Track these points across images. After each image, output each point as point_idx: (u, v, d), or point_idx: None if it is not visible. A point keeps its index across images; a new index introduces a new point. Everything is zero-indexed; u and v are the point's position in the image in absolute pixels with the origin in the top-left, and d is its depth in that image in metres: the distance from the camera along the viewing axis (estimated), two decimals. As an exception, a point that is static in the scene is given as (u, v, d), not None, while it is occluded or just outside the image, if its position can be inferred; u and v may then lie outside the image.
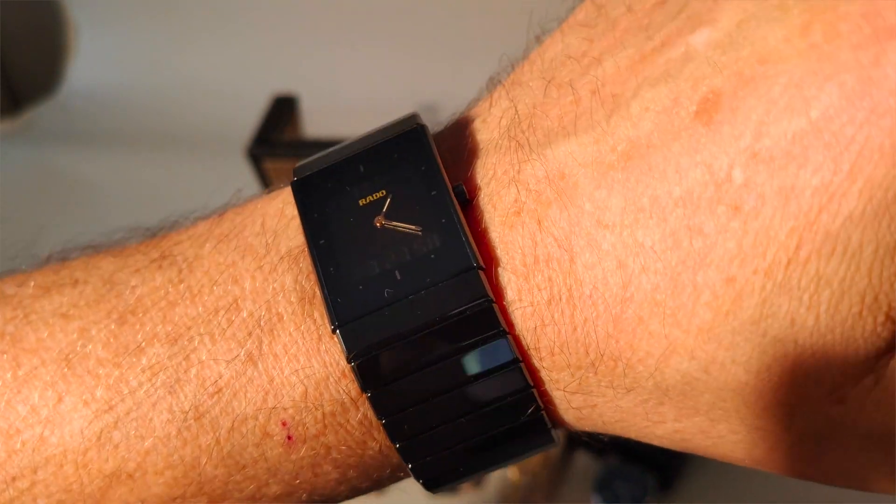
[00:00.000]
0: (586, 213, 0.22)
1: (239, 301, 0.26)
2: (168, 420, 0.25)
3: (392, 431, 0.24)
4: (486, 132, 0.26)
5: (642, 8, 0.25)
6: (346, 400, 0.25)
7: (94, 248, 0.29)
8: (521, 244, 0.23)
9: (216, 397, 0.25)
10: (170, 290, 0.26)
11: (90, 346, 0.25)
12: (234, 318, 0.25)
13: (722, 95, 0.21)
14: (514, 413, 0.24)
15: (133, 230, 0.30)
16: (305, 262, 0.26)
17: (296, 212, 0.26)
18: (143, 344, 0.25)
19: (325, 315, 0.25)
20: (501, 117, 0.26)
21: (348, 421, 0.25)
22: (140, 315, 0.25)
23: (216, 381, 0.25)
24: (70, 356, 0.25)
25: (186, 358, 0.25)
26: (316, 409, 0.25)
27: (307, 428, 0.25)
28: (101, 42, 0.81)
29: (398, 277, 0.24)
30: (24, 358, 0.25)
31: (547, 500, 0.67)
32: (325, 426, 0.25)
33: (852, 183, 0.19)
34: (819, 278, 0.20)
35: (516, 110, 0.26)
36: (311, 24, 0.85)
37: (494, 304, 0.23)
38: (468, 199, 0.25)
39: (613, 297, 0.22)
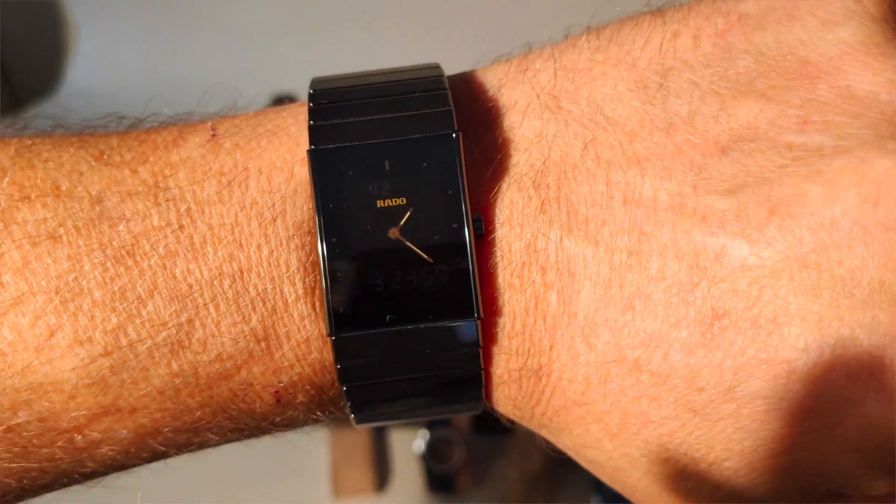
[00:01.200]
0: (578, 324, 0.25)
1: (244, 272, 0.25)
2: (166, 376, 0.25)
3: (348, 395, 0.26)
4: (514, 152, 0.26)
5: (702, 130, 0.24)
6: (334, 378, 0.26)
7: (65, 130, 0.28)
8: (516, 310, 0.25)
9: (217, 365, 0.25)
10: (169, 235, 0.25)
11: (84, 283, 0.24)
12: (239, 289, 0.25)
13: (729, 314, 0.23)
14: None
15: (107, 118, 0.28)
16: (313, 244, 0.25)
17: (306, 174, 0.25)
18: (143, 295, 0.25)
19: (325, 319, 0.25)
20: (532, 144, 0.26)
21: (327, 388, 0.27)
22: (138, 259, 0.25)
23: (219, 351, 0.25)
24: (62, 289, 0.24)
25: (190, 321, 0.25)
26: (310, 387, 0.26)
27: (296, 398, 0.26)
28: (101, 42, 0.81)
29: (402, 304, 0.24)
30: (9, 278, 0.24)
31: (547, 500, 0.67)
32: (314, 398, 0.27)
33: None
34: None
35: (549, 152, 0.25)
36: (310, 24, 0.85)
37: (481, 349, 0.25)
38: (481, 234, 0.25)
39: (573, 394, 0.25)
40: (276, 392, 0.26)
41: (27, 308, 0.24)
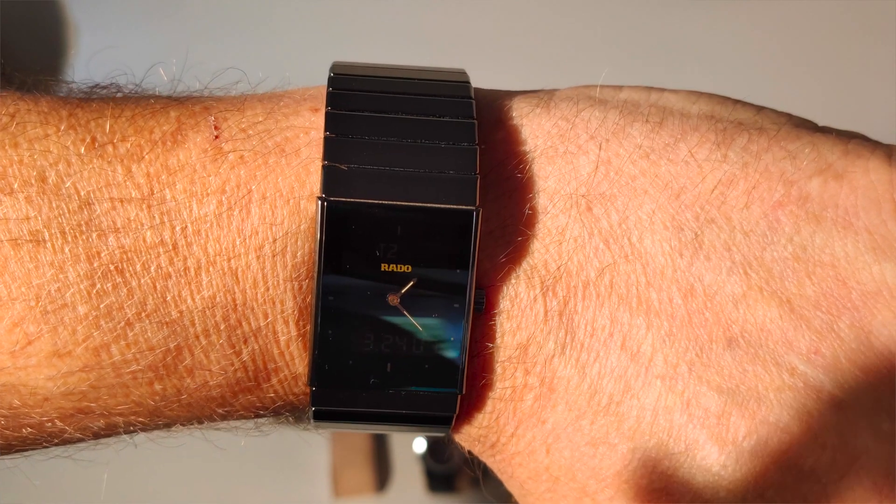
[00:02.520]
0: (545, 430, 0.25)
1: (239, 306, 0.23)
2: (147, 395, 0.24)
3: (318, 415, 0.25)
4: (533, 241, 0.25)
5: (717, 309, 0.23)
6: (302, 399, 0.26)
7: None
8: (493, 393, 0.25)
9: (203, 392, 0.24)
10: (162, 255, 0.23)
11: (68, 295, 0.23)
12: (232, 322, 0.24)
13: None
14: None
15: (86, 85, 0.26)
16: (307, 289, 0.24)
17: (313, 211, 0.23)
18: (131, 316, 0.23)
19: (309, 373, 0.24)
20: (553, 242, 0.24)
21: (302, 410, 0.27)
22: (127, 276, 0.23)
23: (206, 380, 0.24)
24: (43, 298, 0.22)
25: (178, 349, 0.23)
26: (289, 408, 0.26)
27: (274, 413, 0.26)
28: (101, 42, 0.81)
29: (388, 370, 0.24)
30: None
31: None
32: (285, 412, 0.27)
33: None
34: None
35: (566, 260, 0.24)
36: (311, 24, 0.85)
37: (455, 416, 0.25)
38: (481, 311, 0.24)
39: (520, 473, 0.26)
40: (257, 414, 0.26)
41: (4, 313, 0.22)
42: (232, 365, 0.24)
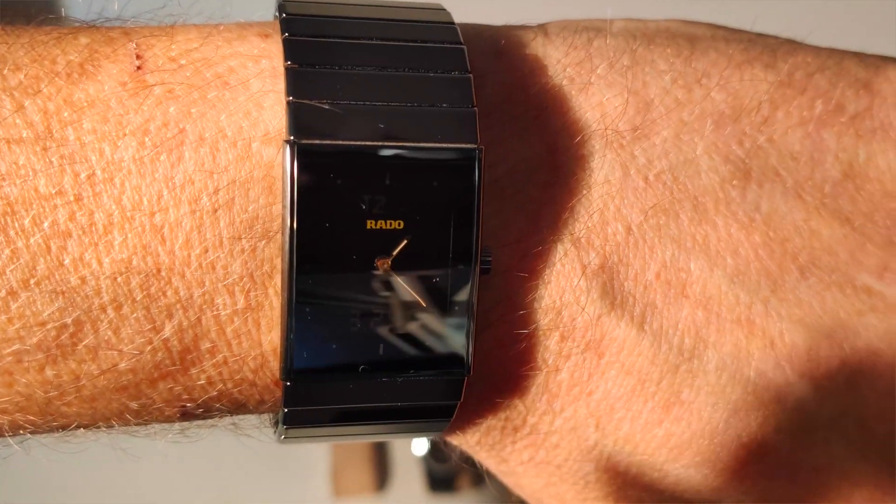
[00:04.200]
0: (593, 401, 0.22)
1: (163, 270, 0.19)
2: (36, 384, 0.19)
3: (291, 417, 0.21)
4: (559, 190, 0.21)
5: (782, 238, 0.21)
6: (265, 398, 0.21)
7: None
8: (513, 370, 0.22)
9: (109, 378, 0.19)
10: (60, 208, 0.18)
11: None
12: (153, 291, 0.19)
13: (774, 453, 0.22)
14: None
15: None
16: (266, 252, 0.19)
17: (269, 157, 0.19)
18: (15, 283, 0.18)
19: (282, 361, 0.19)
20: (583, 188, 0.21)
21: (258, 409, 0.22)
22: (11, 234, 0.18)
23: (114, 363, 0.19)
24: None
25: (78, 323, 0.19)
26: (230, 404, 0.21)
27: (207, 413, 0.21)
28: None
29: (380, 353, 0.19)
30: None
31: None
32: (225, 412, 0.22)
33: None
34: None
35: (603, 206, 0.21)
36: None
37: (460, 403, 0.21)
38: (488, 270, 0.20)
39: (551, 457, 0.23)
40: (183, 409, 0.21)
41: None
42: (150, 343, 0.19)
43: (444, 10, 0.21)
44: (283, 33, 0.19)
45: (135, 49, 0.19)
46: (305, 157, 0.18)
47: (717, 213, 0.21)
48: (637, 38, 0.22)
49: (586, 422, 0.22)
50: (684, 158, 0.21)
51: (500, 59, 0.21)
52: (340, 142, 0.19)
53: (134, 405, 0.20)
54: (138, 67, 0.19)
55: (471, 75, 0.20)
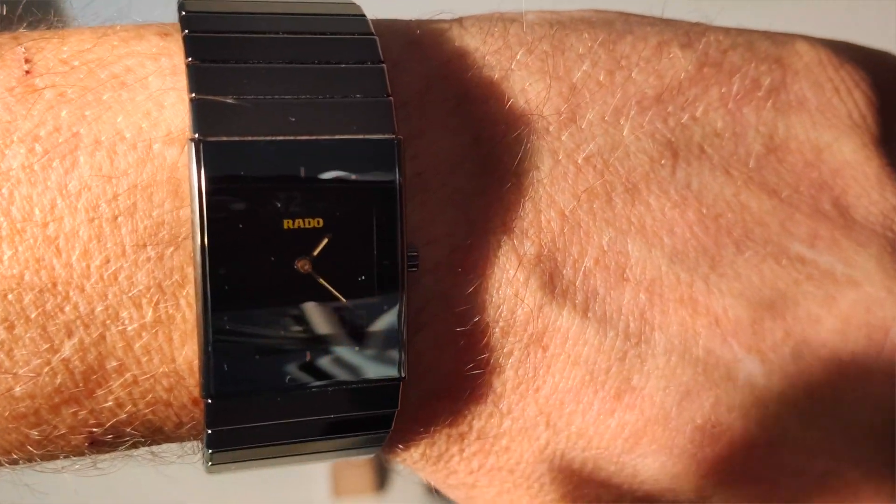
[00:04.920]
0: (540, 398, 0.21)
1: (59, 285, 0.17)
2: None
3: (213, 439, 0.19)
4: (485, 179, 0.20)
5: (714, 214, 0.21)
6: (183, 420, 0.20)
7: None
8: (451, 370, 0.20)
9: (4, 404, 0.18)
10: None
11: None
12: (49, 308, 0.18)
13: (727, 430, 0.22)
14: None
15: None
16: (175, 260, 0.18)
17: (172, 157, 0.18)
18: None
19: (201, 376, 0.18)
20: (510, 174, 0.20)
21: (176, 434, 0.20)
22: None
23: (9, 387, 0.18)
24: None
25: None
26: (143, 428, 0.19)
27: (118, 439, 0.20)
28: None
29: (306, 360, 0.18)
30: None
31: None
32: (144, 440, 0.20)
33: None
34: None
35: (533, 193, 0.20)
36: None
37: (396, 412, 0.20)
38: (415, 266, 0.19)
39: (503, 462, 0.22)
40: (91, 436, 0.19)
41: None
42: (48, 364, 0.18)
43: (354, 3, 0.20)
44: (183, 30, 0.18)
45: (23, 53, 0.18)
46: (212, 154, 0.17)
47: (650, 193, 0.21)
48: (553, 25, 0.22)
49: (536, 420, 0.21)
50: (612, 141, 0.21)
51: (415, 48, 0.21)
52: (249, 137, 0.18)
53: (35, 434, 0.19)
54: (27, 72, 0.18)
55: (384, 65, 0.19)
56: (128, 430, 0.19)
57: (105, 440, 0.19)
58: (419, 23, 0.22)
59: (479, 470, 0.22)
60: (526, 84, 0.20)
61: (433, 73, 0.20)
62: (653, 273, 0.20)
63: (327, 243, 0.18)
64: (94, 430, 0.19)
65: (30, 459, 0.19)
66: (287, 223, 0.18)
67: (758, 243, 0.21)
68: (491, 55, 0.21)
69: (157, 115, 0.18)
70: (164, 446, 0.21)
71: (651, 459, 0.21)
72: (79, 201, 0.17)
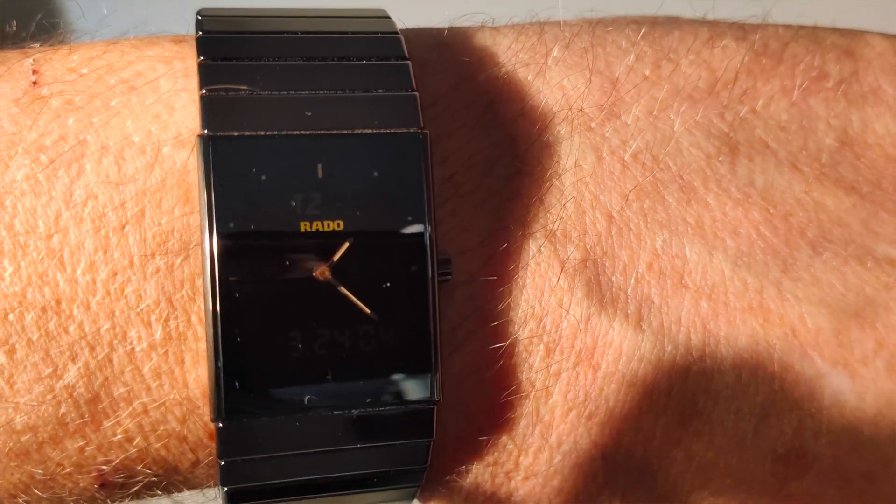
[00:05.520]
0: (593, 464, 0.19)
1: (64, 302, 0.16)
2: None
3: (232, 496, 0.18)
4: (526, 182, 0.18)
5: (783, 213, 0.19)
6: (200, 463, 0.18)
7: None
8: (494, 400, 0.18)
9: (5, 439, 0.16)
10: None
11: None
12: (52, 328, 0.16)
13: (813, 459, 0.19)
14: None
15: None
16: (185, 270, 0.16)
17: (182, 160, 0.17)
18: None
19: (211, 397, 0.16)
20: (552, 176, 0.18)
21: (192, 473, 0.18)
22: None
23: (9, 419, 0.16)
24: None
25: None
26: (155, 466, 0.17)
27: (130, 480, 0.18)
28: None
29: (328, 376, 0.16)
30: None
31: None
32: (158, 481, 0.18)
33: None
34: None
35: (577, 193, 0.18)
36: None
37: (432, 442, 0.17)
38: (447, 275, 0.17)
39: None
40: (100, 475, 0.17)
41: None
42: (51, 391, 0.16)
43: (380, 9, 0.19)
44: (197, 33, 0.17)
45: (31, 65, 0.17)
46: (222, 150, 0.16)
47: (708, 191, 0.19)
48: (592, 23, 0.20)
49: (591, 454, 0.18)
50: (662, 136, 0.19)
51: (443, 49, 0.19)
52: (262, 132, 0.16)
53: (39, 473, 0.17)
54: (34, 83, 0.17)
55: (409, 62, 0.17)
56: (139, 467, 0.17)
57: (116, 481, 0.17)
58: (448, 27, 0.20)
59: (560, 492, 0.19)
60: (563, 79, 0.19)
61: (463, 71, 0.19)
62: (715, 278, 0.18)
63: (348, 248, 0.16)
64: (104, 468, 0.17)
65: None
66: (304, 226, 0.16)
67: (837, 244, 0.19)
68: (524, 52, 0.19)
69: (167, 118, 0.17)
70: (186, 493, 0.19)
71: (726, 498, 0.18)
72: (84, 211, 0.16)
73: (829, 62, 0.20)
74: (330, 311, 0.16)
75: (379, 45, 0.18)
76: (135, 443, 0.17)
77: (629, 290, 0.18)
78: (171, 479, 0.18)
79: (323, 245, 0.16)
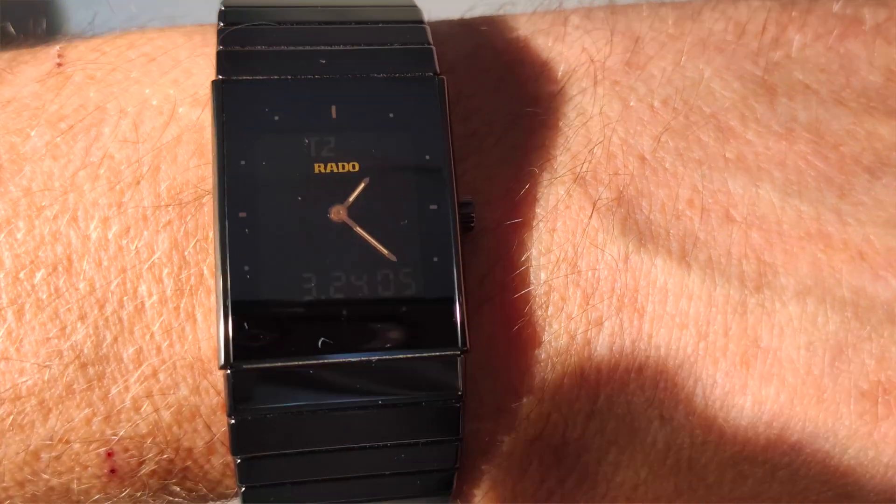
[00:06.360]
0: (644, 382, 0.17)
1: (75, 259, 0.16)
2: None
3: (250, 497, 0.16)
4: (547, 132, 0.18)
5: (834, 144, 0.18)
6: (214, 441, 0.16)
7: None
8: (532, 354, 0.16)
9: (9, 406, 0.16)
10: None
11: None
12: (61, 285, 0.16)
13: None
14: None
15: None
16: (198, 220, 0.16)
17: (197, 117, 0.16)
18: None
19: (219, 340, 0.15)
20: (576, 125, 0.18)
21: (209, 462, 0.17)
22: None
23: (14, 383, 0.16)
24: None
25: None
26: (167, 445, 0.16)
27: (144, 465, 0.16)
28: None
29: (344, 323, 0.15)
30: None
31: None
32: (172, 466, 0.16)
33: None
34: None
35: (604, 138, 0.18)
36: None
37: (462, 405, 0.15)
38: (471, 217, 0.16)
39: (619, 487, 0.17)
40: (109, 455, 0.16)
41: None
42: (57, 352, 0.16)
43: (415, 7, 0.19)
44: (220, 7, 0.17)
45: (57, 50, 0.18)
46: (234, 91, 0.16)
47: (746, 128, 0.17)
48: (610, 4, 0.20)
49: (646, 415, 0.16)
50: (692, 82, 0.18)
51: (464, 25, 0.19)
52: (275, 76, 0.16)
53: (45, 452, 0.16)
54: (58, 64, 0.18)
55: (426, 25, 0.17)
56: (149, 442, 0.16)
57: (127, 463, 0.16)
58: (462, 18, 0.20)
59: (579, 498, 0.17)
60: (585, 41, 0.19)
61: (481, 40, 0.19)
62: (765, 209, 0.17)
63: (364, 188, 0.16)
64: (111, 439, 0.16)
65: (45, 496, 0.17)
66: (318, 167, 0.16)
67: None
68: (542, 21, 0.19)
69: (185, 81, 0.17)
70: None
71: (810, 452, 0.16)
72: (100, 169, 0.16)
73: (862, 9, 0.20)
74: (346, 254, 0.15)
75: (396, 11, 0.18)
76: (145, 415, 0.16)
77: (670, 228, 0.17)
78: (185, 466, 0.17)
79: (338, 186, 0.16)
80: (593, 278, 0.16)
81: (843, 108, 0.18)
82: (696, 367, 0.16)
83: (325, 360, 0.15)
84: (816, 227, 0.17)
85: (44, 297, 0.16)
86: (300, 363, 0.15)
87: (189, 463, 0.17)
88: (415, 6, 0.18)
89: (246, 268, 0.15)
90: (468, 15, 0.21)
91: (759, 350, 0.16)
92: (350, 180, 0.16)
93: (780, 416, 0.16)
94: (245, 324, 0.15)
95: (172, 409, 0.16)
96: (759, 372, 0.16)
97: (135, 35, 0.18)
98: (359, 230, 0.15)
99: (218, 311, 0.15)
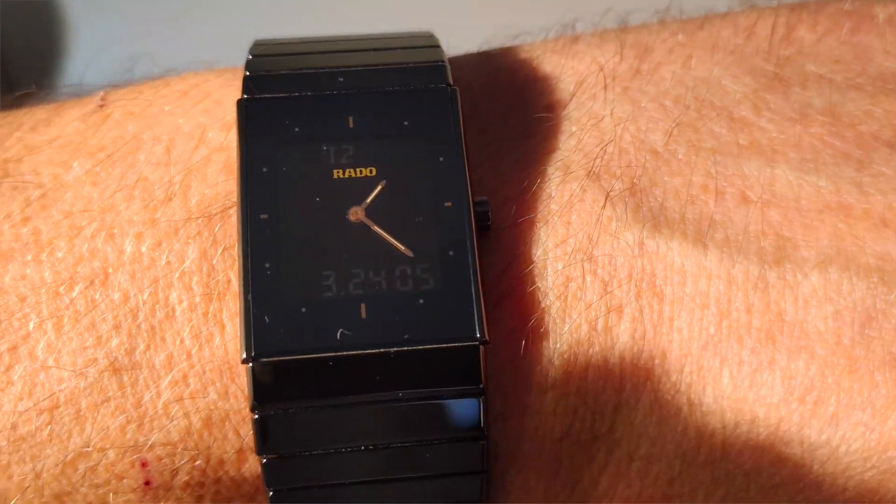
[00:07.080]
0: (671, 367, 0.17)
1: (110, 272, 0.17)
2: None
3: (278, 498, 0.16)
4: (556, 134, 0.18)
5: (851, 124, 0.18)
6: (244, 448, 0.16)
7: None
8: (554, 345, 0.16)
9: (48, 415, 0.16)
10: (6, 232, 0.17)
11: None
12: (97, 297, 0.16)
13: None
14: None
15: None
16: (226, 229, 0.17)
17: (225, 139, 0.18)
18: None
19: (240, 335, 0.15)
20: (587, 127, 0.18)
21: (239, 473, 0.17)
22: None
23: (52, 392, 0.16)
24: None
25: (12, 349, 0.16)
26: (199, 454, 0.16)
27: (178, 475, 0.16)
28: (99, 42, 0.80)
29: (363, 315, 0.16)
30: None
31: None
32: (204, 477, 0.17)
33: None
34: None
35: (614, 136, 0.18)
36: (312, 27, 0.84)
37: (484, 398, 0.16)
38: (488, 224, 0.17)
39: (646, 481, 0.17)
40: (144, 465, 0.16)
41: None
42: (94, 361, 0.16)
43: (432, 35, 0.20)
44: (248, 56, 0.19)
45: (102, 94, 0.20)
46: (256, 107, 0.17)
47: (759, 117, 0.17)
48: (620, 24, 0.21)
49: (674, 402, 0.16)
50: (702, 80, 0.18)
51: (480, 54, 0.20)
52: (296, 94, 0.17)
53: (81, 467, 0.16)
54: (101, 105, 0.19)
55: (441, 48, 0.19)
56: (180, 448, 0.17)
57: (161, 475, 0.17)
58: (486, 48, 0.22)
59: (615, 499, 0.17)
60: (595, 54, 0.19)
61: (497, 63, 0.20)
62: (782, 188, 0.16)
63: (381, 190, 0.16)
64: (146, 452, 0.17)
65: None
66: (337, 173, 0.17)
67: None
68: (556, 43, 0.20)
69: (215, 110, 0.18)
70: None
71: (847, 426, 0.15)
72: (135, 190, 0.18)
73: (873, 5, 0.20)
74: (365, 252, 0.16)
75: (412, 38, 0.19)
76: (176, 421, 0.16)
77: (685, 212, 0.16)
78: (218, 475, 0.17)
79: (356, 189, 0.16)
80: (610, 266, 0.16)
81: (859, 92, 0.18)
82: (721, 347, 0.15)
83: (345, 353, 0.15)
84: (836, 199, 0.16)
85: (81, 308, 0.16)
86: (320, 356, 0.15)
87: (221, 474, 0.17)
88: (432, 34, 0.19)
89: (267, 265, 0.16)
90: (485, 47, 0.21)
91: (785, 324, 0.15)
92: (368, 184, 0.16)
93: (811, 390, 0.15)
94: (266, 318, 0.15)
95: (202, 413, 0.16)
96: (786, 346, 0.15)
97: (172, 78, 0.20)
98: (376, 229, 0.16)
99: (240, 307, 0.15)
